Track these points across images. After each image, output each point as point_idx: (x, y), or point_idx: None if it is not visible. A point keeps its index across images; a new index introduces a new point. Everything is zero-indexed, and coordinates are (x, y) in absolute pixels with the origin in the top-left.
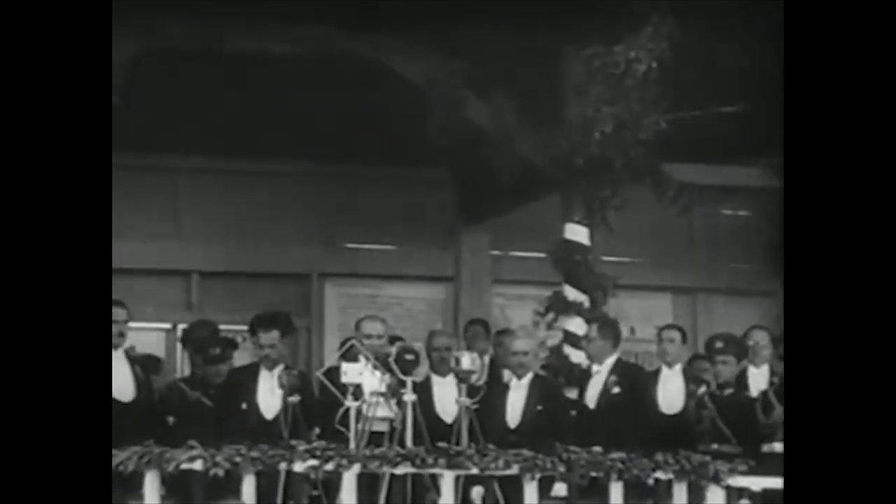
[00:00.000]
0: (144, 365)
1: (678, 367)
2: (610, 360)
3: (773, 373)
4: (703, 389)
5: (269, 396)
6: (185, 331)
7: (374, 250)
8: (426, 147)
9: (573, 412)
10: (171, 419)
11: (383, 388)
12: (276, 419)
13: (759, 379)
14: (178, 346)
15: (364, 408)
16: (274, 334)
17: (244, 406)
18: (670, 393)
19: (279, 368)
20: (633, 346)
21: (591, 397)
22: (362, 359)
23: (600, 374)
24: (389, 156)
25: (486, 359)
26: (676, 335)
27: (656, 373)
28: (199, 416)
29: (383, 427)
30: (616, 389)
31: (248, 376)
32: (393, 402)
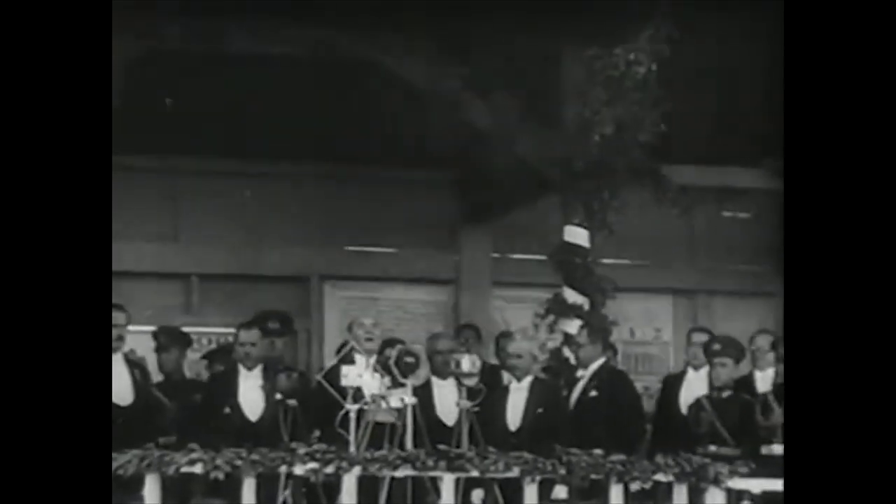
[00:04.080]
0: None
1: (704, 371)
2: (595, 365)
3: (777, 376)
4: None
5: (251, 397)
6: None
7: (374, 252)
8: (426, 149)
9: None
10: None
11: (383, 391)
12: (261, 420)
13: (764, 383)
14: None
15: (364, 410)
16: (254, 332)
17: (227, 410)
18: (693, 395)
19: (259, 368)
20: (633, 349)
21: (571, 400)
22: (360, 361)
23: (584, 378)
24: (389, 158)
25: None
26: (706, 338)
27: (681, 375)
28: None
29: (388, 417)
30: (593, 393)
31: (229, 379)
32: (393, 402)
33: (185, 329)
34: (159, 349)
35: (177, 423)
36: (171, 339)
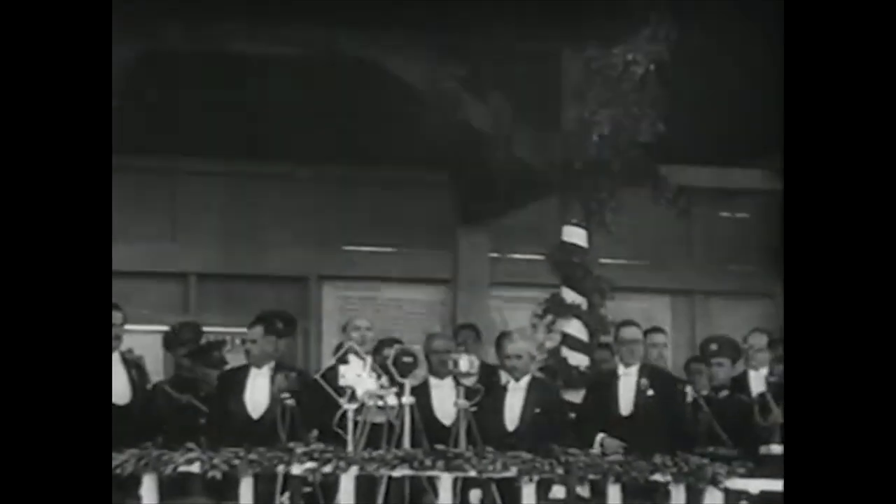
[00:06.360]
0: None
1: (634, 368)
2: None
3: (771, 374)
4: (692, 391)
5: (257, 395)
6: (168, 333)
7: (372, 252)
8: (424, 149)
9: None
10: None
11: (381, 391)
12: (263, 419)
13: (759, 382)
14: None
15: (362, 409)
16: (256, 330)
17: (231, 406)
18: (627, 392)
19: (268, 367)
20: None
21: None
22: (357, 361)
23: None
24: (387, 158)
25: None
26: (638, 335)
27: (614, 372)
28: (190, 419)
29: (381, 417)
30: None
31: (239, 376)
32: (390, 401)
33: None
34: (175, 345)
35: (183, 419)
36: (192, 335)
